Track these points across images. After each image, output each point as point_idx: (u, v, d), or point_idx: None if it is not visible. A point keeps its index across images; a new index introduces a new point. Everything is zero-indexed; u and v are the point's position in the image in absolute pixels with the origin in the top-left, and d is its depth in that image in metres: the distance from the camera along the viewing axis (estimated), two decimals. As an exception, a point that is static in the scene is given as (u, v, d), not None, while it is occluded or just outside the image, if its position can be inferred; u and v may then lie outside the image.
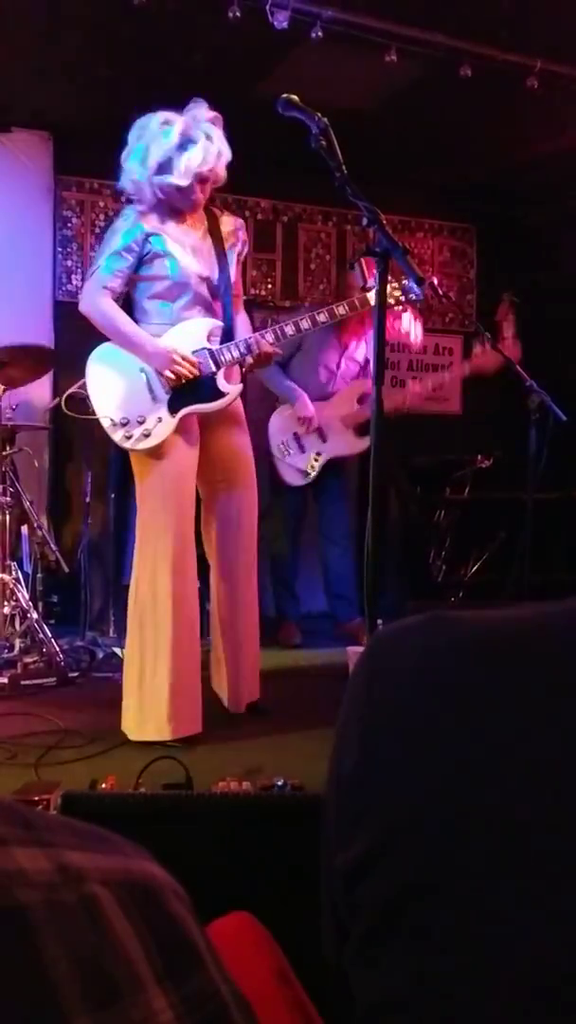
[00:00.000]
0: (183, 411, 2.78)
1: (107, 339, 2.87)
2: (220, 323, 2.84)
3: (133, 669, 2.82)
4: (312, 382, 4.33)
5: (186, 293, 2.80)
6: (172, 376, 2.74)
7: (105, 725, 2.94)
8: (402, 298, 2.94)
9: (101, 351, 2.86)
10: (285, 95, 2.36)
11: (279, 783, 2.12)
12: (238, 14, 3.67)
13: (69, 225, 5.22)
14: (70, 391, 4.52)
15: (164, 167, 2.68)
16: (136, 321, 2.83)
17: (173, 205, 2.78)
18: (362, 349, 4.39)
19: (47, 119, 4.97)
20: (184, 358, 2.74)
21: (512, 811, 0.52)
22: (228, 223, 2.93)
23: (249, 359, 2.83)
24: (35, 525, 4.23)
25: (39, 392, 4.84)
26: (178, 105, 2.74)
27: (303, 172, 3.38)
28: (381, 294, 2.04)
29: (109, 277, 2.77)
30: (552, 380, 3.84)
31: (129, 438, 2.79)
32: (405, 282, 2.90)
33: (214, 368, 2.80)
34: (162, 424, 2.78)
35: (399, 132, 4.91)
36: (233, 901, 0.99)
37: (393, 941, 0.56)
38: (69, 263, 5.23)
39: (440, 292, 4.06)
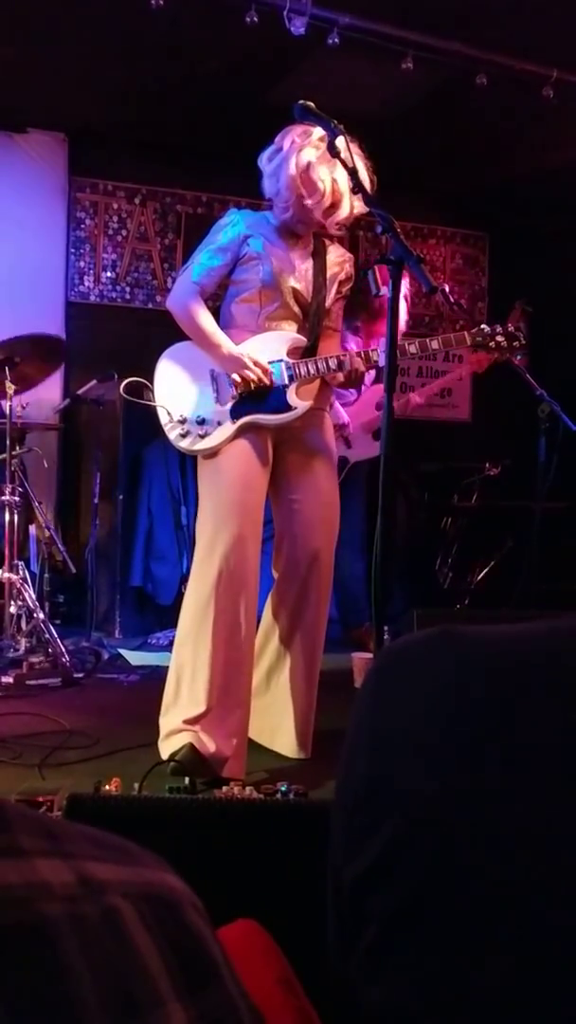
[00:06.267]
0: (244, 419, 2.68)
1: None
2: (304, 339, 2.73)
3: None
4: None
5: (275, 302, 2.70)
6: (239, 380, 2.66)
7: (110, 726, 2.94)
8: (503, 343, 2.74)
9: (174, 349, 2.79)
10: (301, 101, 2.37)
11: (283, 788, 2.12)
12: (255, 19, 3.68)
13: (83, 226, 5.24)
14: (80, 392, 4.55)
15: (305, 182, 2.58)
16: (221, 326, 2.73)
17: (288, 220, 2.69)
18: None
19: (63, 120, 4.99)
20: (256, 363, 2.65)
21: (524, 825, 0.52)
22: (337, 253, 2.84)
23: (340, 376, 2.75)
24: (43, 525, 4.24)
25: (50, 392, 4.86)
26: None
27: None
28: (394, 301, 2.04)
29: (201, 274, 2.68)
30: (563, 389, 3.84)
31: (184, 436, 2.69)
32: (512, 329, 2.74)
33: (287, 381, 2.69)
34: (221, 428, 2.68)
35: (413, 139, 4.92)
36: (236, 907, 0.98)
37: (400, 953, 0.56)
38: (82, 264, 5.25)
39: (451, 300, 4.05)
